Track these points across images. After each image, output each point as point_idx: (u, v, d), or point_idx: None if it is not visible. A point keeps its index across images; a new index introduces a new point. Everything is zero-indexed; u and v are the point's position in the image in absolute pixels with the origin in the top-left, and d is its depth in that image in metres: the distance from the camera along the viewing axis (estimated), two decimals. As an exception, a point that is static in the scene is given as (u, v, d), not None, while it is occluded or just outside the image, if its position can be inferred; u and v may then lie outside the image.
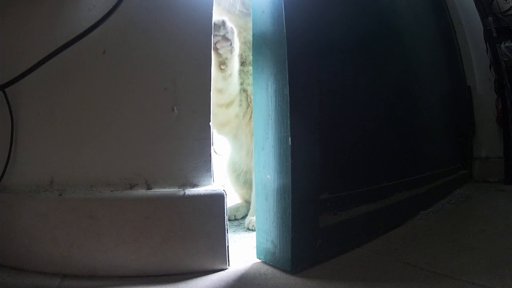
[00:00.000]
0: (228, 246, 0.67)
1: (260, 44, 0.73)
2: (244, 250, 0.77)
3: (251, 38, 0.77)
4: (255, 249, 0.72)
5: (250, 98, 1.00)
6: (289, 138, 0.65)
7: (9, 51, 0.68)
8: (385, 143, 1.04)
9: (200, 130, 0.68)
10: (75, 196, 0.62)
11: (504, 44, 1.72)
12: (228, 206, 0.67)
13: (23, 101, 0.67)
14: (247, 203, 1.16)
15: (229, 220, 0.70)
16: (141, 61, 0.67)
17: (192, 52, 0.68)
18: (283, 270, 0.66)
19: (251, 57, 0.81)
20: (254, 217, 0.94)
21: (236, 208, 1.14)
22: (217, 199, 0.65)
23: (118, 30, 0.66)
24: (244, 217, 1.09)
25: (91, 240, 0.62)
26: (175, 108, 0.67)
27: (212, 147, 0.69)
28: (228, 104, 0.98)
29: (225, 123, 1.03)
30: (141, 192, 0.64)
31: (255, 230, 0.75)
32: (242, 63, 0.99)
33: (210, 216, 0.65)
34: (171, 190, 0.65)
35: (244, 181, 1.15)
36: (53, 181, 0.65)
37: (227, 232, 0.66)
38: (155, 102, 0.66)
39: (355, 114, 0.92)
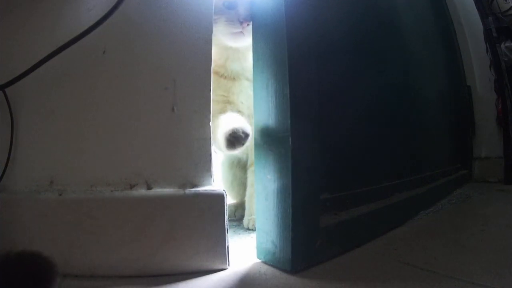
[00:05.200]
0: (228, 246, 0.66)
1: (260, 44, 0.73)
2: (244, 250, 0.77)
3: None
4: (255, 249, 0.72)
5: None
6: (289, 138, 0.65)
7: (9, 51, 0.68)
8: (385, 143, 1.04)
9: (200, 130, 0.68)
10: (75, 196, 0.62)
11: (504, 44, 1.72)
12: (228, 206, 0.67)
13: (23, 101, 0.67)
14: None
15: (229, 220, 0.70)
16: (141, 61, 0.67)
17: (192, 51, 0.68)
18: (283, 270, 0.66)
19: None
20: (252, 216, 0.94)
21: (235, 208, 1.14)
22: (217, 199, 0.65)
23: (118, 30, 0.66)
24: (243, 217, 1.09)
25: (91, 240, 0.62)
26: (175, 108, 0.67)
27: (212, 147, 0.69)
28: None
29: None
30: (141, 192, 0.64)
31: (254, 230, 0.74)
32: None
33: (210, 216, 0.65)
34: (171, 190, 0.65)
35: (241, 181, 1.15)
36: (53, 181, 0.65)
37: (227, 232, 0.66)
38: (155, 102, 0.66)
39: (355, 114, 0.92)
